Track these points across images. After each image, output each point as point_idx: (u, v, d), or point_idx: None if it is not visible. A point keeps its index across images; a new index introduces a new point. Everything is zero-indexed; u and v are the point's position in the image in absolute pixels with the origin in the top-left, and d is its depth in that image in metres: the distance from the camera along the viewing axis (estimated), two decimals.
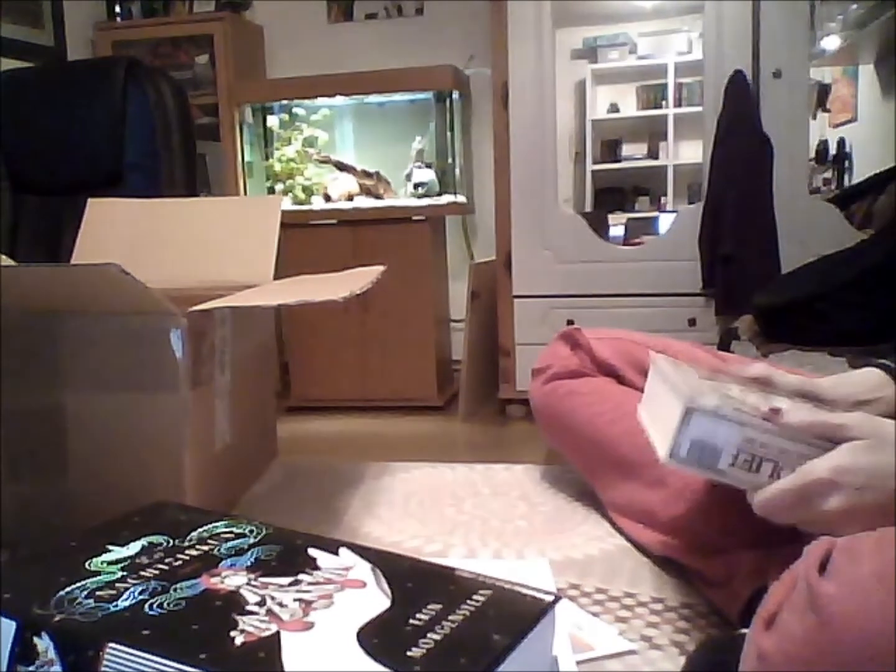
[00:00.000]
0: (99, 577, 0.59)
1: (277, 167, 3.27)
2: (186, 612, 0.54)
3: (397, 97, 3.26)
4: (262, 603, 0.55)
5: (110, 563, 0.62)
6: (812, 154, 3.13)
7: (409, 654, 0.49)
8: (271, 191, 3.29)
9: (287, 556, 0.64)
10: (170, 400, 0.89)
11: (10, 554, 0.84)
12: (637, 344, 1.12)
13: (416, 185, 3.11)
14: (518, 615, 0.55)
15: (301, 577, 0.59)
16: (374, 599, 0.56)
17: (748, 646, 0.55)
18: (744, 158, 2.40)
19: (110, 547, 0.64)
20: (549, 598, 0.58)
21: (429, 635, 0.51)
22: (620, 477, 1.01)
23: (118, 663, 0.49)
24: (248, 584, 0.58)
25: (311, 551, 0.64)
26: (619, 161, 3.90)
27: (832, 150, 3.70)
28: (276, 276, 1.24)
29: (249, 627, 0.52)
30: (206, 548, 0.65)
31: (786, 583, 0.56)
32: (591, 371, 1.11)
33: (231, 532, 0.68)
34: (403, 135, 3.24)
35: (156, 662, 0.48)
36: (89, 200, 1.38)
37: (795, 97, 2.49)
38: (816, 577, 0.52)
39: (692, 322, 2.60)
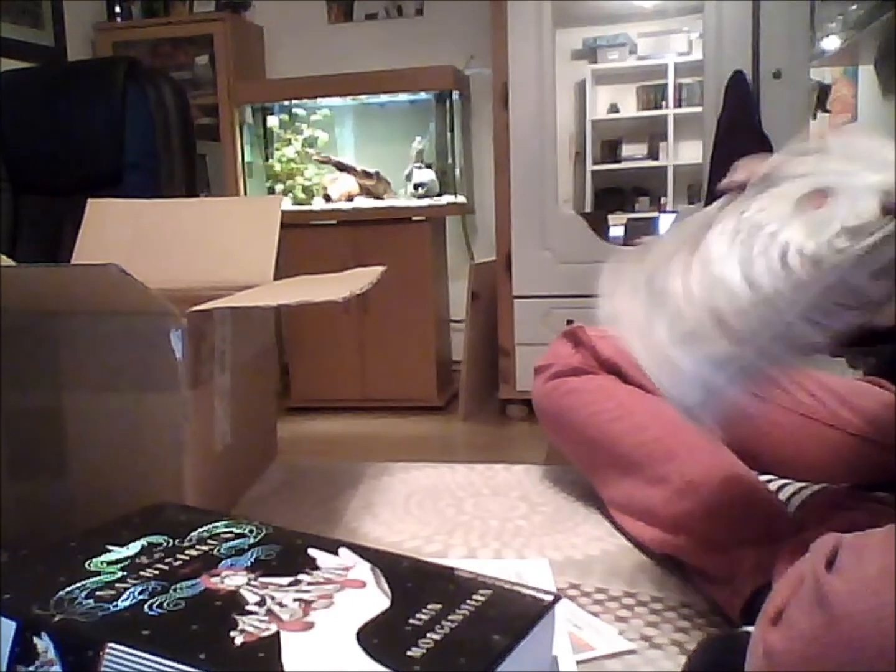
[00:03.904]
0: (99, 578, 0.59)
1: (277, 167, 3.27)
2: (186, 612, 0.54)
3: (397, 97, 3.26)
4: (261, 603, 0.55)
5: (110, 563, 0.61)
6: None
7: (408, 654, 0.49)
8: (271, 191, 3.29)
9: (287, 557, 0.63)
10: (170, 400, 0.89)
11: (10, 554, 0.84)
12: None
13: (416, 186, 3.11)
14: (518, 615, 0.55)
15: (301, 577, 0.59)
16: (373, 599, 0.56)
17: (754, 642, 0.55)
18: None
19: (110, 547, 0.64)
20: (549, 598, 0.58)
21: (428, 635, 0.51)
22: (621, 474, 1.01)
23: (118, 663, 0.49)
24: (247, 584, 0.58)
25: (311, 551, 0.64)
26: (619, 161, 3.91)
27: None
28: (276, 277, 1.24)
29: (249, 627, 0.52)
30: (205, 548, 0.65)
31: (792, 579, 0.56)
32: (594, 369, 1.11)
33: (231, 532, 0.68)
34: (403, 135, 3.24)
35: (156, 662, 0.48)
36: (89, 200, 1.38)
37: (795, 97, 2.49)
38: (824, 574, 0.52)
39: None
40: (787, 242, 0.65)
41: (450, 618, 0.53)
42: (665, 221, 3.14)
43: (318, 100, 3.27)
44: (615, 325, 0.72)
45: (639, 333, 0.69)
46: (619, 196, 3.85)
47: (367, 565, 0.62)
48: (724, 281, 0.66)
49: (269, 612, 0.54)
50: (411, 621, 0.53)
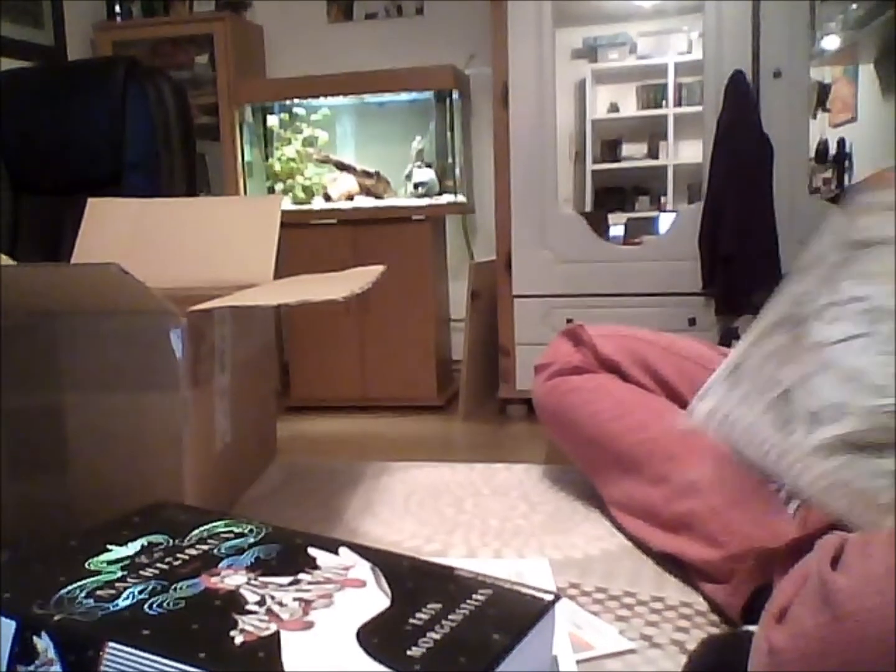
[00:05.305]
0: (99, 577, 0.59)
1: (277, 167, 3.27)
2: (186, 611, 0.54)
3: (397, 97, 3.26)
4: (261, 602, 0.55)
5: (110, 562, 0.61)
6: (812, 154, 3.13)
7: (408, 653, 0.49)
8: (271, 191, 3.29)
9: (287, 556, 0.63)
10: (170, 400, 0.89)
11: (10, 554, 0.84)
12: (641, 340, 1.12)
13: (416, 185, 3.11)
14: (518, 615, 0.55)
15: (301, 576, 0.59)
16: (373, 599, 0.56)
17: (758, 640, 0.55)
18: (744, 158, 2.41)
19: (110, 546, 0.64)
20: (549, 598, 0.58)
21: (428, 635, 0.51)
22: (622, 473, 1.00)
23: (118, 663, 0.49)
24: (247, 583, 0.58)
25: (311, 551, 0.64)
26: (619, 161, 3.90)
27: (832, 150, 3.69)
28: (276, 276, 1.24)
29: (249, 627, 0.51)
30: (205, 547, 0.65)
31: (796, 577, 0.56)
32: (595, 368, 1.11)
33: (231, 532, 0.68)
34: (403, 135, 3.24)
35: (156, 662, 0.48)
36: (89, 200, 1.37)
37: (795, 97, 2.49)
38: (829, 572, 0.52)
39: (692, 322, 2.60)
40: None
41: (450, 617, 0.53)
42: (665, 221, 3.14)
43: (318, 99, 3.27)
44: (717, 427, 0.71)
45: (759, 440, 0.67)
46: (619, 195, 3.85)
47: (367, 565, 0.62)
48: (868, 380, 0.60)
49: (269, 611, 0.54)
50: (411, 621, 0.53)
